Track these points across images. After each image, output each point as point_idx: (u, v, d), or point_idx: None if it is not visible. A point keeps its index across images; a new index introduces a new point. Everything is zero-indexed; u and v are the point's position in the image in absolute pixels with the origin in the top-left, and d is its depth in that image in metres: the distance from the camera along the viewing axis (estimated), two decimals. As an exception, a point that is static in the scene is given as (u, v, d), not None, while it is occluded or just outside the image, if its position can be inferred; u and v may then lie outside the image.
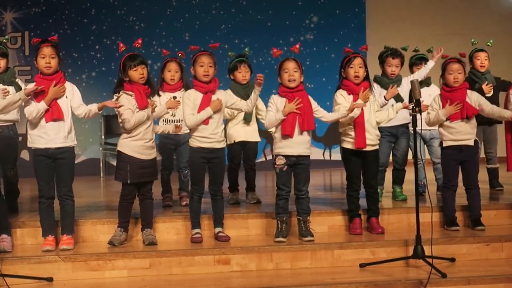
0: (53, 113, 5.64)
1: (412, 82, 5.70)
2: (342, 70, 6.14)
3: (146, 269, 5.57)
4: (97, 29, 11.74)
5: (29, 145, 5.74)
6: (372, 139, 6.11)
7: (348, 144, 6.14)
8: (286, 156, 5.89)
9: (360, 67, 6.05)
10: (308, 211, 6.00)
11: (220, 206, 6.06)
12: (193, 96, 5.92)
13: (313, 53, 11.79)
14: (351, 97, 6.08)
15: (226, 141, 6.13)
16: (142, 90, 5.80)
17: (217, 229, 6.03)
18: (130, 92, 5.78)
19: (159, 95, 6.74)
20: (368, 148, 6.10)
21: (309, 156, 5.98)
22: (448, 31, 11.83)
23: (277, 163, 5.92)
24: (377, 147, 6.19)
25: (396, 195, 7.08)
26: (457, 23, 12.01)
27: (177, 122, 6.72)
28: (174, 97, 6.71)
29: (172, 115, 6.80)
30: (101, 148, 11.29)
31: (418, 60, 7.25)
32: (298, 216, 6.01)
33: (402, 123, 6.93)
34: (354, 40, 11.68)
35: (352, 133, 6.08)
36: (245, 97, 6.85)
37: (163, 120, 6.78)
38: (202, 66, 5.90)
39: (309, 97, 5.97)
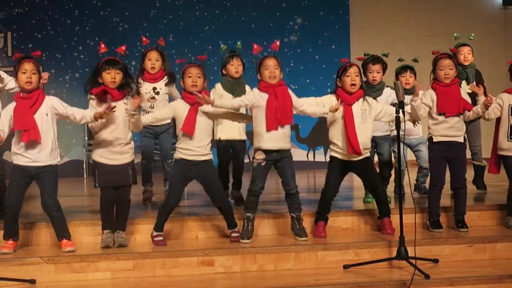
0: (30, 134, 5.52)
1: (395, 83, 5.70)
2: (338, 79, 6.11)
3: (129, 270, 5.54)
4: (81, 30, 11.66)
5: (12, 159, 5.67)
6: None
7: (335, 153, 6.12)
8: (266, 152, 5.89)
9: (356, 75, 6.03)
10: (300, 206, 6.01)
11: (230, 211, 6.03)
12: (180, 108, 5.90)
13: (297, 55, 11.77)
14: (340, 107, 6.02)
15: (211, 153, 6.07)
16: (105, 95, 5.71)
17: (230, 231, 6.03)
18: (93, 97, 5.74)
19: (138, 83, 6.64)
20: (355, 158, 6.04)
21: (289, 150, 5.99)
22: (432, 32, 11.84)
23: (256, 157, 5.93)
24: (368, 154, 6.14)
25: None
26: (442, 24, 12.02)
27: None
28: (154, 88, 6.66)
29: (150, 107, 6.80)
30: (84, 150, 11.20)
31: (403, 70, 7.21)
32: (291, 213, 6.01)
33: (383, 134, 6.90)
34: (338, 42, 11.69)
35: (339, 143, 6.04)
36: (233, 92, 6.78)
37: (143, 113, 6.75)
38: (190, 77, 5.88)
39: (290, 91, 5.98)
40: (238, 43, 7.09)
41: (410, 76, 7.18)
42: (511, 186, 6.31)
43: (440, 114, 6.16)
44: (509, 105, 6.25)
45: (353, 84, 6.01)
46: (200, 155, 5.86)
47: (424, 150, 7.18)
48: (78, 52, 11.63)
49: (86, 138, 11.05)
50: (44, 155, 5.59)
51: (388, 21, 11.91)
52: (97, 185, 5.82)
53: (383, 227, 6.19)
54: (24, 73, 5.56)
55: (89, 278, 5.50)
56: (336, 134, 6.08)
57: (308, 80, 11.41)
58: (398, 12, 12.22)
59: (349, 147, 5.97)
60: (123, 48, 6.07)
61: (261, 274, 5.60)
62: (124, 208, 5.90)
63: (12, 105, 5.65)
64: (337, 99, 6.02)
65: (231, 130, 6.87)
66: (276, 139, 5.89)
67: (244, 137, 7.06)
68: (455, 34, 7.50)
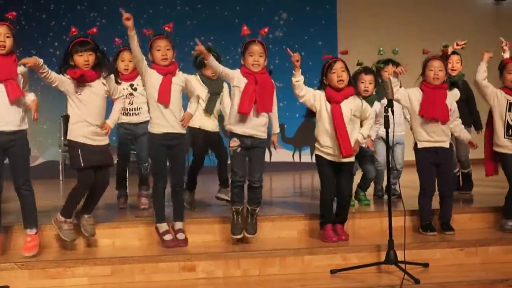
0: (15, 90, 5.38)
1: (385, 81, 5.64)
2: (324, 78, 5.91)
3: (107, 276, 5.44)
4: (56, 25, 11.46)
5: None
6: None
7: (322, 153, 5.91)
8: (239, 137, 5.72)
9: (342, 70, 5.83)
10: (259, 201, 5.85)
11: (182, 197, 5.92)
12: (153, 75, 5.72)
13: (282, 51, 11.55)
14: (328, 105, 5.82)
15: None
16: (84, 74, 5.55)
17: (178, 225, 5.87)
18: (69, 76, 5.58)
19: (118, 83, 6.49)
20: (343, 160, 5.85)
21: (265, 140, 5.82)
22: (422, 28, 11.74)
23: (231, 145, 5.77)
24: (352, 159, 5.96)
25: (360, 199, 6.94)
26: (433, 20, 11.93)
27: (135, 110, 6.62)
28: (131, 85, 6.63)
29: (129, 103, 6.68)
30: (60, 150, 10.95)
31: (385, 63, 7.04)
32: (248, 205, 5.84)
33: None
34: (325, 38, 11.55)
35: (326, 143, 5.84)
36: (211, 89, 6.69)
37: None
38: (159, 50, 5.74)
39: (272, 81, 5.86)
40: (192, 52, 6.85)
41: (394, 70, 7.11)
42: None
43: (422, 116, 6.01)
44: (507, 101, 6.13)
45: (340, 80, 5.81)
46: (178, 126, 5.75)
47: (398, 152, 7.07)
48: (53, 48, 11.38)
49: (62, 138, 10.81)
50: (16, 119, 5.42)
51: (377, 17, 11.77)
52: (82, 165, 5.57)
53: (338, 232, 5.99)
54: None
55: (65, 284, 5.39)
56: (322, 131, 5.88)
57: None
58: (387, 8, 12.10)
59: (342, 150, 5.76)
60: (94, 30, 5.88)
61: (245, 280, 5.52)
62: (102, 191, 5.78)
63: None
64: (327, 99, 5.83)
65: (206, 122, 6.75)
66: (248, 125, 5.72)
67: (218, 130, 6.89)
68: (443, 43, 7.28)
